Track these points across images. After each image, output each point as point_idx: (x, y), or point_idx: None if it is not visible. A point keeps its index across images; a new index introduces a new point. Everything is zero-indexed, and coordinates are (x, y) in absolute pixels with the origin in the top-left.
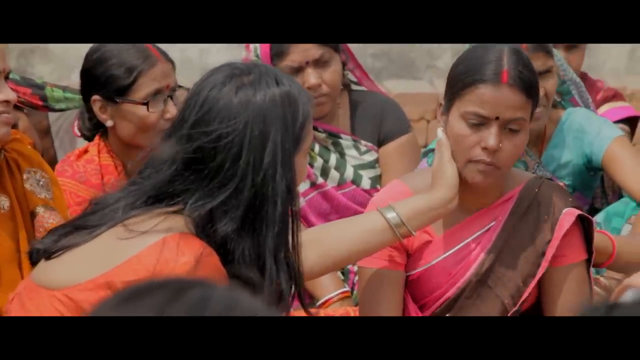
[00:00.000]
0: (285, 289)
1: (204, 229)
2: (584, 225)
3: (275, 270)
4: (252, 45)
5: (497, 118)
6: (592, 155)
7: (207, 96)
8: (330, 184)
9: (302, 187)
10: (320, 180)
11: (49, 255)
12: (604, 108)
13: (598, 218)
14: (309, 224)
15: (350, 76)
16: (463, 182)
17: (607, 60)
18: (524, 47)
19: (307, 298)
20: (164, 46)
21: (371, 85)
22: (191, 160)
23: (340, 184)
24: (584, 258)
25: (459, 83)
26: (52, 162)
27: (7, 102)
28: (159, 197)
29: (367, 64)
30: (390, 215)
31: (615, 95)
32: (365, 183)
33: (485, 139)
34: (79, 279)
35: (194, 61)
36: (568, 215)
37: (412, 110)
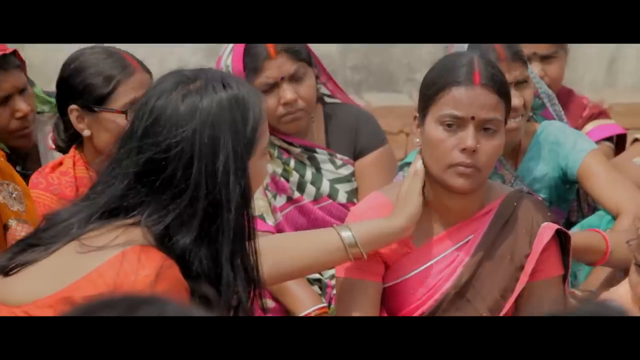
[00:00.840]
0: (243, 294)
1: (163, 241)
2: (561, 240)
3: (233, 276)
4: (223, 63)
5: (472, 118)
6: (567, 168)
7: (154, 106)
8: (307, 199)
9: (279, 201)
10: (296, 194)
11: (5, 272)
12: (590, 126)
13: (573, 231)
14: None
15: (324, 89)
16: (444, 191)
17: (586, 74)
18: (502, 57)
19: (283, 313)
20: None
21: (344, 98)
22: (143, 173)
23: (317, 198)
24: (560, 273)
25: (432, 89)
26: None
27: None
28: (114, 212)
29: (346, 76)
30: (346, 234)
31: (601, 113)
32: (342, 197)
33: (463, 139)
34: (38, 295)
35: None
36: (546, 229)
37: (392, 123)
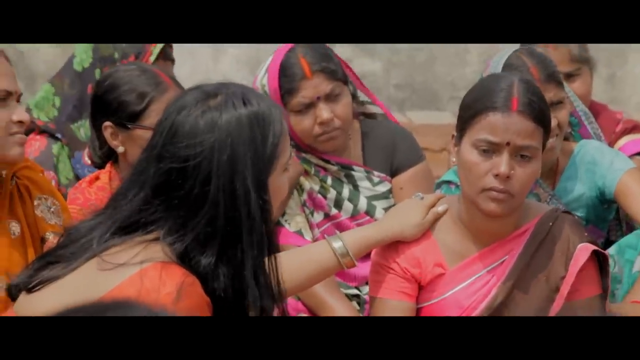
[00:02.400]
0: (270, 310)
1: (184, 259)
2: (599, 260)
3: (259, 293)
4: (258, 83)
5: (507, 144)
6: (604, 187)
7: (173, 121)
8: (344, 215)
9: (317, 218)
10: (334, 211)
11: (28, 289)
12: (623, 140)
13: (611, 250)
14: None
15: (363, 97)
16: (478, 212)
17: (633, 95)
18: (536, 78)
19: None
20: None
21: (381, 106)
22: (160, 187)
23: (354, 215)
24: (598, 293)
25: (470, 112)
26: None
27: (21, 122)
28: (132, 227)
29: (390, 94)
30: (337, 245)
31: (635, 127)
32: (379, 213)
33: (497, 165)
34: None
35: None
36: (583, 251)
37: (434, 141)
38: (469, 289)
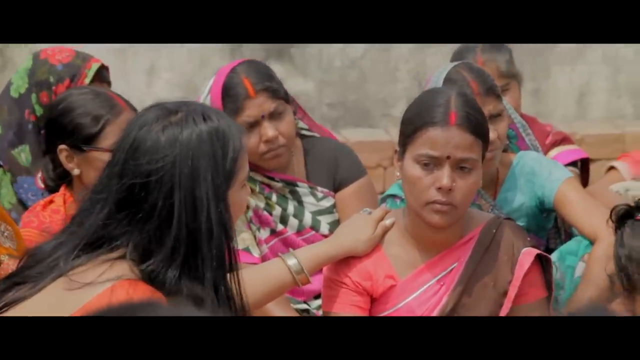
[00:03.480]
0: None
1: (150, 274)
2: (542, 264)
3: (218, 305)
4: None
5: (448, 158)
6: (544, 197)
7: (135, 137)
8: (290, 231)
9: (263, 234)
10: (280, 227)
11: None
12: (554, 152)
13: (553, 257)
14: None
15: (301, 124)
16: (424, 225)
17: (557, 107)
18: (476, 92)
19: None
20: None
21: (321, 131)
22: (123, 202)
23: (300, 230)
24: (545, 295)
25: (410, 127)
26: None
27: None
28: (97, 243)
29: (323, 113)
30: (292, 262)
31: (565, 139)
32: (324, 228)
33: (439, 179)
34: None
35: None
36: (527, 255)
37: (369, 157)
38: (420, 298)
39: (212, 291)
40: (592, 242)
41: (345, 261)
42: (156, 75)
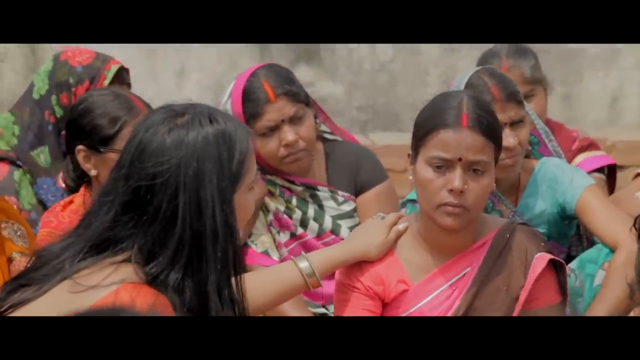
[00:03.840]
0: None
1: (155, 277)
2: (557, 269)
3: (221, 308)
4: (222, 107)
5: (459, 160)
6: (565, 204)
7: (141, 139)
8: (310, 235)
9: (283, 238)
10: (300, 231)
11: (1, 312)
12: (580, 158)
13: (572, 265)
14: None
15: (323, 127)
16: (437, 228)
17: (589, 112)
18: (497, 98)
19: None
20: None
21: (343, 135)
22: (129, 204)
23: (320, 234)
24: (558, 300)
25: (422, 130)
26: None
27: None
28: (103, 245)
29: (352, 116)
30: (303, 265)
31: (591, 145)
32: (345, 232)
33: (451, 181)
34: None
35: None
36: (540, 260)
37: (397, 161)
38: (432, 302)
39: (216, 294)
40: (612, 250)
41: (358, 265)
42: (186, 76)
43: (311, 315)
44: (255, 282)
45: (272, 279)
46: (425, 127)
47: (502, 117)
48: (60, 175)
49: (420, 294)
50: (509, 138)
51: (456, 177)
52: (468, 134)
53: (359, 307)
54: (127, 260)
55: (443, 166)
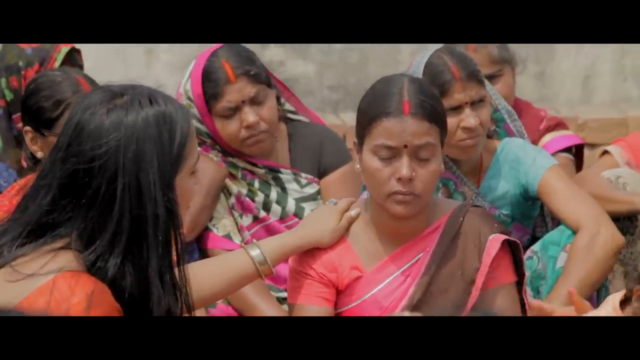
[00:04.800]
0: (174, 311)
1: (94, 263)
2: (512, 249)
3: (163, 293)
4: (182, 88)
5: (405, 146)
6: (527, 185)
7: (79, 120)
8: (273, 218)
9: (245, 221)
10: (262, 214)
11: None
12: (547, 137)
13: (535, 247)
14: None
15: (288, 105)
16: (387, 215)
17: (561, 91)
18: (457, 77)
19: None
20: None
21: (308, 115)
22: (67, 187)
23: (283, 217)
24: (513, 280)
25: (365, 118)
26: None
27: None
28: (41, 229)
29: (323, 96)
30: (255, 252)
31: (559, 124)
32: None
33: (398, 169)
34: None
35: None
36: (494, 242)
37: None
38: (386, 289)
39: (158, 279)
40: (574, 232)
41: (310, 252)
42: (155, 56)
43: (274, 299)
44: (206, 270)
45: (223, 267)
46: (367, 116)
47: (462, 96)
48: (23, 155)
49: (373, 281)
50: (469, 118)
51: (403, 166)
52: (411, 121)
53: (312, 294)
54: (66, 247)
55: (389, 154)
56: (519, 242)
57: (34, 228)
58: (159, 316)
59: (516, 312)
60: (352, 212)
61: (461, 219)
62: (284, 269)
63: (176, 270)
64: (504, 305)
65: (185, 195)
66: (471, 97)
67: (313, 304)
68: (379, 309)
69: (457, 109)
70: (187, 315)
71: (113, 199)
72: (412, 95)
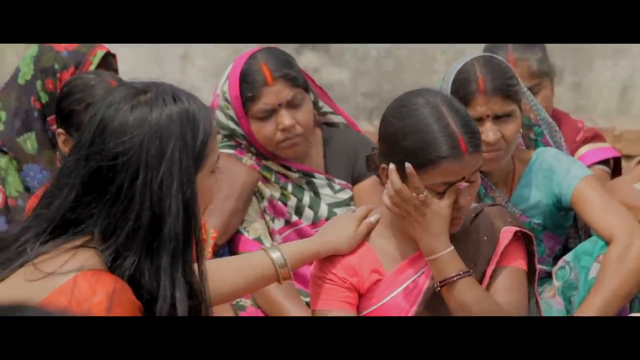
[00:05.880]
0: (181, 308)
1: (114, 261)
2: (527, 243)
3: (171, 288)
4: (219, 89)
5: (462, 178)
6: (560, 195)
7: (103, 116)
8: (305, 222)
9: (277, 225)
10: (294, 218)
11: None
12: (584, 149)
13: (567, 257)
14: None
15: (326, 107)
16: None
17: (599, 101)
18: (481, 90)
19: None
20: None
21: (343, 116)
22: (90, 184)
23: (315, 222)
24: (521, 267)
25: (416, 160)
26: None
27: None
28: (64, 226)
29: (358, 103)
30: (275, 255)
31: (596, 136)
32: None
33: (458, 199)
34: None
35: None
36: (506, 233)
37: None
38: (406, 290)
39: (169, 275)
40: (607, 243)
41: (330, 258)
42: (190, 61)
43: (302, 303)
44: (226, 267)
45: (243, 265)
46: (421, 158)
47: (484, 109)
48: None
49: (394, 283)
50: (488, 132)
51: (461, 197)
52: (470, 158)
53: (335, 299)
54: (88, 244)
55: (445, 190)
56: (532, 235)
57: (58, 225)
58: (182, 316)
59: (517, 298)
60: (372, 218)
61: (473, 215)
62: None
63: (195, 266)
64: (502, 285)
65: (205, 193)
66: (494, 111)
67: (336, 308)
68: (400, 310)
69: (479, 120)
70: (204, 310)
71: (135, 194)
72: (463, 132)
